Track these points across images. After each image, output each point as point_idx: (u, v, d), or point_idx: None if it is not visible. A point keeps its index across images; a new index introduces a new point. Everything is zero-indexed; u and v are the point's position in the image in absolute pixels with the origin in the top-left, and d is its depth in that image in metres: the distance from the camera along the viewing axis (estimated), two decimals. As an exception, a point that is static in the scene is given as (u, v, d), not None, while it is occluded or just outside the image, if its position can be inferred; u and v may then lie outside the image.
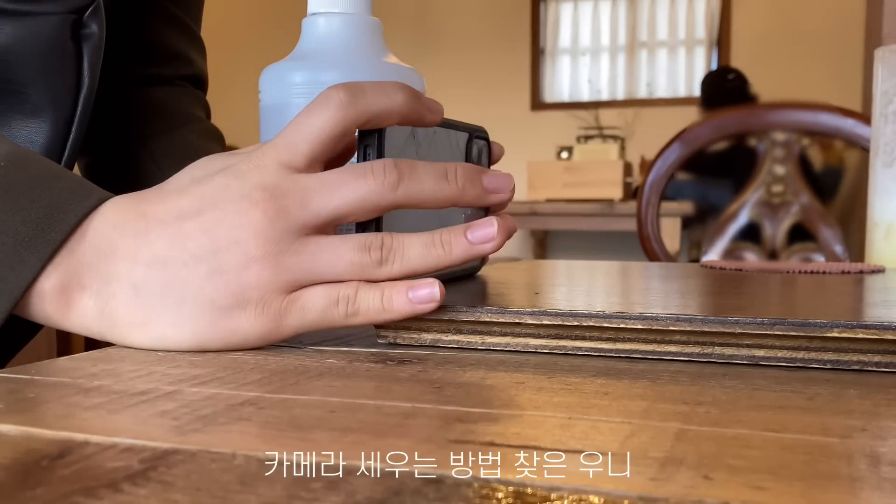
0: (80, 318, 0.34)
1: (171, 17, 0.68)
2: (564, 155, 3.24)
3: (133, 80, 0.66)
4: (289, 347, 0.36)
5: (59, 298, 0.34)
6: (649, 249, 1.20)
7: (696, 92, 3.41)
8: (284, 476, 0.19)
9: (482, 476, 0.19)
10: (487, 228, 0.35)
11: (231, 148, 0.50)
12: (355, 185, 0.34)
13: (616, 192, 2.78)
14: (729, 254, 1.18)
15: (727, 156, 1.36)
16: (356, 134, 0.36)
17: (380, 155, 0.36)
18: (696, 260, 1.55)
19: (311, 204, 0.34)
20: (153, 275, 0.34)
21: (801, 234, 1.17)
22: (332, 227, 0.35)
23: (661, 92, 3.50)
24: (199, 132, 0.67)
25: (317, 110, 0.34)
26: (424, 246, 0.35)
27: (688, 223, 2.62)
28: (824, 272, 0.56)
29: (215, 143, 0.68)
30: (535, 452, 0.21)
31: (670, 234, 2.45)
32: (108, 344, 0.36)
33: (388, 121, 0.35)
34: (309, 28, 0.45)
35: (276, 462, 0.20)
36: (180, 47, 0.69)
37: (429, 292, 0.34)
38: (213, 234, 0.33)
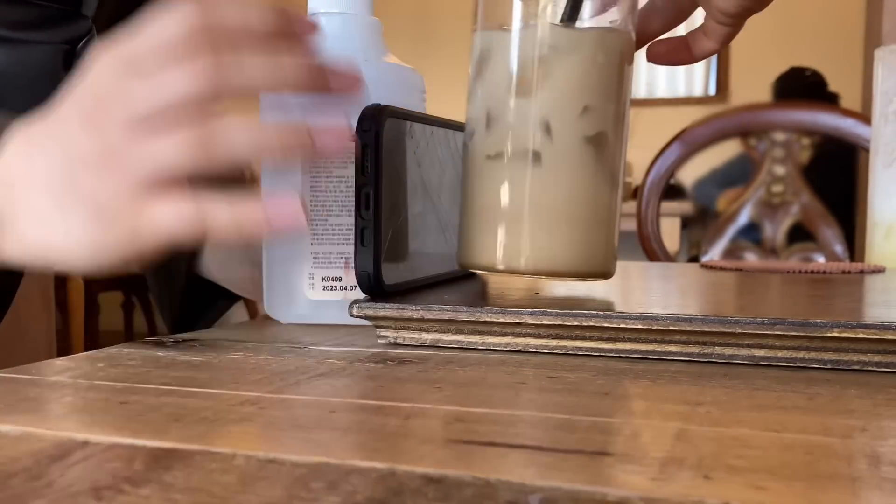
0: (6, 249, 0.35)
1: None
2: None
3: None
4: (289, 347, 0.36)
5: None
6: (649, 249, 1.20)
7: (696, 92, 3.41)
8: (284, 476, 0.19)
9: (482, 476, 0.19)
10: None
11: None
12: (176, 84, 0.32)
13: (616, 192, 2.78)
14: (729, 254, 1.18)
15: None
16: (353, 132, 0.36)
17: (377, 156, 0.36)
18: (696, 260, 1.55)
19: (135, 100, 0.33)
20: (42, 200, 0.34)
21: (801, 234, 1.17)
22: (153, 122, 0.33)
23: (661, 92, 3.49)
24: None
25: (188, 76, 0.33)
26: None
27: (687, 223, 2.62)
28: (824, 272, 0.56)
29: None
30: (535, 452, 0.21)
31: (670, 234, 2.45)
32: (108, 343, 0.36)
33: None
34: (309, 28, 0.45)
35: (276, 462, 0.20)
36: None
37: (289, 212, 0.33)
38: (66, 149, 0.34)
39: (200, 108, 0.33)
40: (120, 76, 0.34)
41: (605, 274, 0.39)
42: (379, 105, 0.37)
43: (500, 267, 0.37)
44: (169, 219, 0.33)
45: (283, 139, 0.34)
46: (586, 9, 0.37)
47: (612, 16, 0.38)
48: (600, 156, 0.37)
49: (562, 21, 0.36)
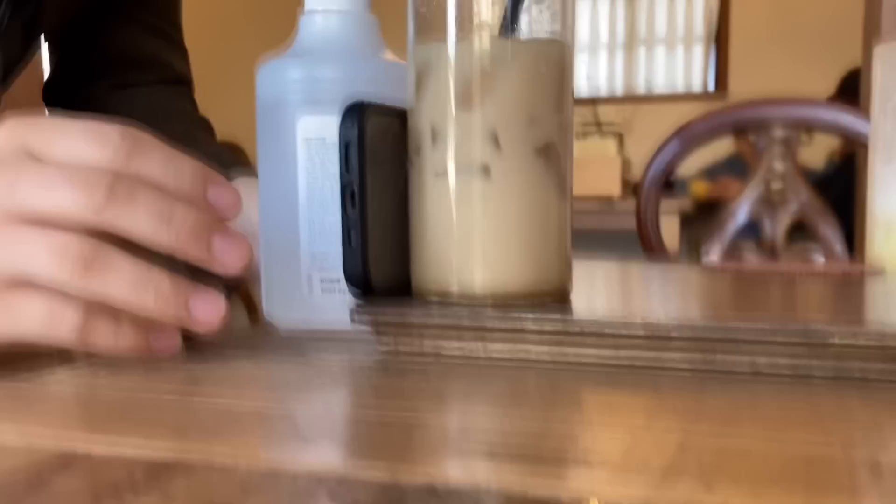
0: None
1: (149, 26, 0.69)
2: (563, 151, 3.22)
3: (114, 86, 0.67)
4: (291, 356, 0.36)
5: None
6: (649, 247, 1.20)
7: (695, 88, 3.41)
8: (286, 485, 0.19)
9: (483, 485, 0.19)
10: (215, 305, 0.32)
11: (226, 140, 0.50)
12: (62, 192, 0.31)
13: (614, 189, 2.78)
14: (729, 252, 1.18)
15: None
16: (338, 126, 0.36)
17: (361, 155, 0.36)
18: (696, 257, 1.55)
19: (16, 192, 0.31)
20: None
21: (801, 230, 1.17)
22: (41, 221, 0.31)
23: (660, 88, 3.49)
24: (186, 123, 0.67)
25: (90, 138, 0.32)
26: (134, 285, 0.31)
27: (688, 221, 2.62)
28: (825, 274, 0.56)
29: (203, 132, 0.68)
30: (536, 462, 0.21)
31: (670, 232, 2.45)
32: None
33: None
34: (306, 25, 0.45)
35: (277, 472, 0.20)
36: (160, 55, 0.70)
37: (170, 345, 0.32)
38: None
39: (86, 228, 0.31)
40: (19, 158, 0.32)
41: (562, 289, 0.38)
42: (362, 101, 0.36)
43: (454, 290, 0.37)
44: (28, 317, 0.31)
45: (158, 303, 0.31)
46: (524, 20, 0.37)
47: (552, 26, 0.38)
48: (550, 167, 0.37)
49: (500, 32, 0.36)
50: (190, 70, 0.73)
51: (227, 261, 0.32)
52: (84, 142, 0.32)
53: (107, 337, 0.32)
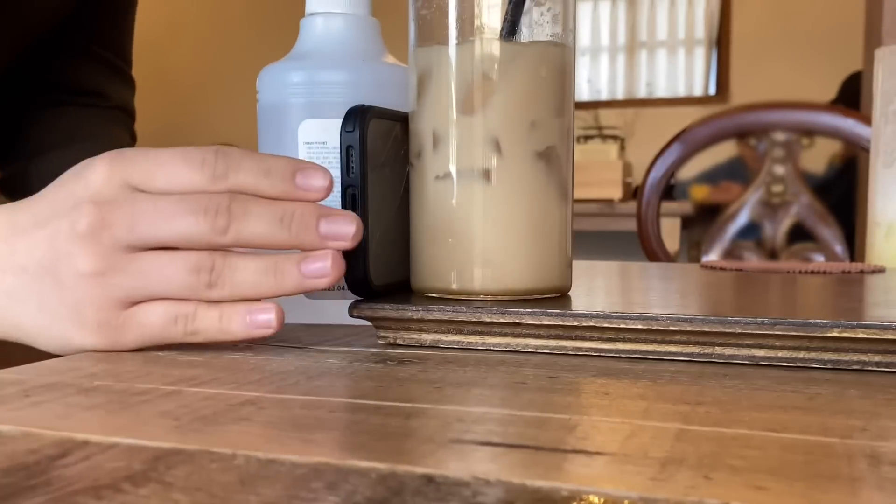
0: None
1: (95, 56, 0.69)
2: (564, 155, 3.22)
3: (49, 103, 0.67)
4: (289, 347, 0.36)
5: None
6: (649, 249, 1.20)
7: (696, 92, 3.41)
8: (284, 476, 0.19)
9: (481, 476, 0.19)
10: (321, 262, 0.34)
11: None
12: (185, 222, 0.33)
13: (616, 192, 2.78)
14: (729, 254, 1.18)
15: None
16: (340, 130, 0.36)
17: (362, 158, 0.36)
18: (697, 260, 1.55)
19: (137, 227, 0.33)
20: (17, 283, 0.35)
21: (801, 234, 1.17)
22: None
23: (661, 92, 3.49)
24: (105, 147, 0.67)
25: (187, 164, 0.34)
26: (257, 272, 0.34)
27: (688, 223, 2.62)
28: (824, 272, 0.56)
29: None
30: (535, 452, 0.21)
31: (670, 234, 2.45)
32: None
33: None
34: (307, 28, 0.45)
35: (276, 462, 0.20)
36: (102, 85, 0.70)
37: (266, 319, 0.34)
38: (54, 245, 0.34)
39: (202, 245, 0.34)
40: (128, 191, 0.34)
41: (562, 289, 0.39)
42: (363, 105, 0.37)
43: (454, 289, 0.37)
44: (153, 323, 0.34)
45: (279, 282, 0.34)
46: (525, 22, 0.37)
47: (553, 29, 0.38)
48: (550, 170, 0.37)
49: (501, 36, 0.36)
50: (132, 102, 0.73)
51: (339, 239, 0.35)
52: (182, 168, 0.34)
53: (214, 325, 0.35)
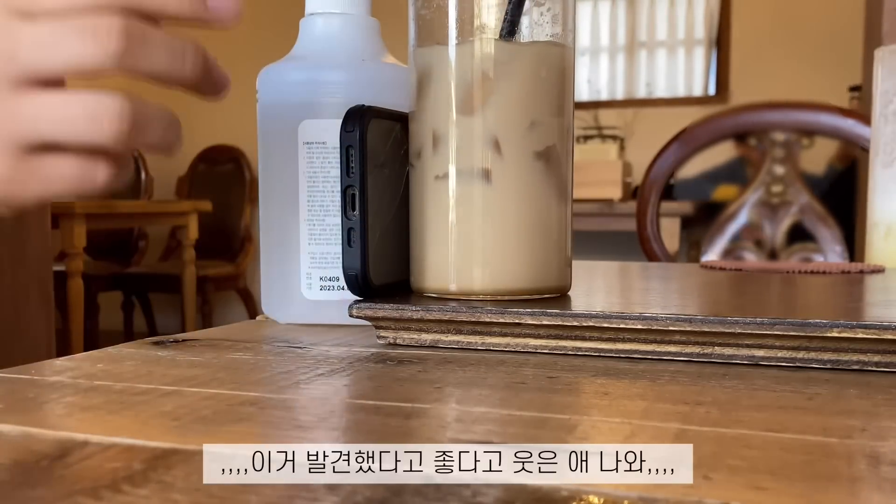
0: None
1: None
2: (564, 155, 3.22)
3: None
4: (289, 347, 0.36)
5: None
6: (649, 249, 1.20)
7: (696, 92, 3.41)
8: (284, 473, 0.19)
9: (482, 476, 0.19)
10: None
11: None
12: (71, 47, 0.29)
13: (615, 192, 2.78)
14: (729, 254, 1.18)
15: None
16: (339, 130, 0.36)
17: (362, 158, 0.36)
18: (697, 260, 1.55)
19: (20, 56, 0.30)
20: None
21: (800, 234, 1.17)
22: (53, 82, 0.31)
23: (661, 92, 3.49)
24: None
25: (87, 42, 0.30)
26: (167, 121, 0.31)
27: (687, 223, 2.62)
28: (824, 272, 0.56)
29: None
30: (535, 452, 0.21)
31: (670, 234, 2.45)
32: (107, 343, 0.36)
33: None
34: (307, 28, 0.45)
35: (276, 459, 0.20)
36: None
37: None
38: None
39: (95, 73, 0.30)
40: (7, 19, 0.30)
41: (562, 289, 0.39)
42: (363, 106, 0.37)
43: (453, 289, 0.37)
44: (62, 177, 0.31)
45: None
46: (525, 23, 0.37)
47: (553, 29, 0.38)
48: (550, 170, 0.37)
49: (501, 36, 0.36)
50: None
51: (220, 91, 0.33)
52: None
53: (123, 167, 0.32)
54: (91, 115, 0.30)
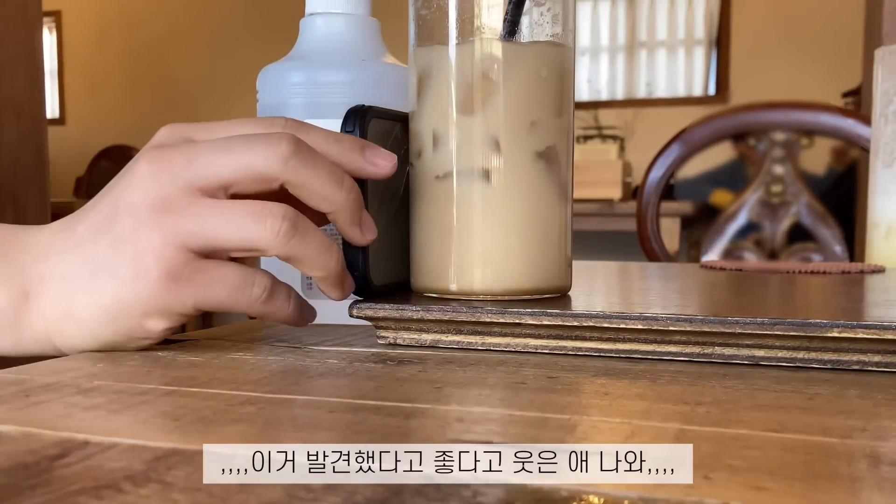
0: (31, 328, 0.34)
1: None
2: (564, 155, 3.22)
3: None
4: (289, 347, 0.36)
5: (9, 312, 0.33)
6: (649, 249, 1.20)
7: (696, 92, 3.41)
8: (284, 474, 0.19)
9: (482, 476, 0.19)
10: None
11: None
12: (244, 151, 0.32)
13: (615, 192, 2.78)
14: (729, 254, 1.18)
15: None
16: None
17: None
18: (697, 260, 1.55)
19: (195, 162, 0.32)
20: (72, 259, 0.33)
21: (800, 234, 1.17)
22: (223, 192, 0.33)
23: (661, 92, 3.49)
24: None
25: (253, 122, 0.34)
26: (322, 247, 0.34)
27: (687, 223, 2.62)
28: (824, 272, 0.56)
29: None
30: (535, 452, 0.21)
31: (670, 234, 2.45)
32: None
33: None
34: (307, 28, 0.45)
35: (275, 460, 0.20)
36: None
37: (313, 313, 0.36)
38: (115, 204, 0.33)
39: (266, 182, 0.33)
40: (185, 146, 0.33)
41: (562, 289, 0.39)
42: (363, 105, 0.37)
43: (454, 288, 0.37)
44: (225, 282, 0.33)
45: (336, 268, 0.34)
46: (525, 23, 0.37)
47: (553, 29, 0.38)
48: (550, 170, 0.37)
49: (501, 36, 0.36)
50: None
51: (367, 235, 0.36)
52: (245, 125, 0.34)
53: (282, 305, 0.35)
54: (256, 214, 0.32)
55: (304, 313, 0.37)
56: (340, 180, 0.33)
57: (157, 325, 0.33)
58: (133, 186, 0.32)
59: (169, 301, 0.33)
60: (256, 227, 0.32)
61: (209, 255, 0.33)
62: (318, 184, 0.33)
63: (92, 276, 0.33)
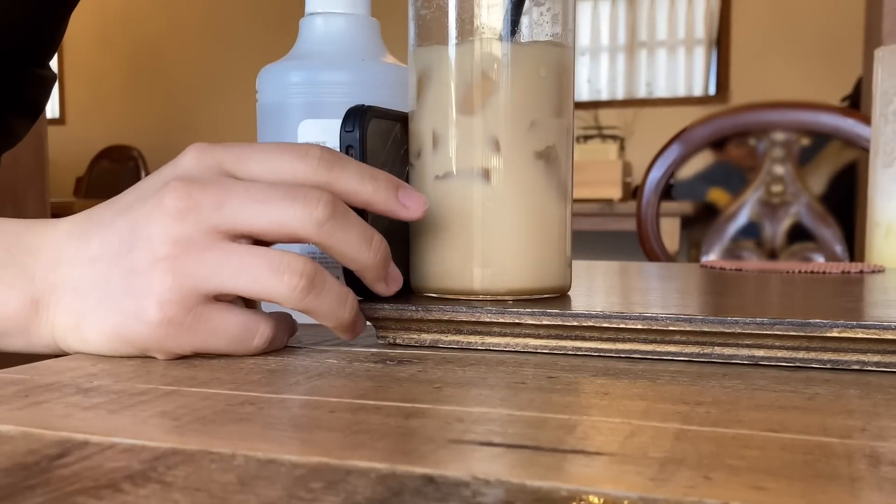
0: (39, 334, 0.34)
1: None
2: (564, 155, 3.21)
3: None
4: (288, 347, 0.36)
5: (20, 319, 0.33)
6: (649, 249, 1.20)
7: (696, 92, 3.41)
8: (284, 476, 0.19)
9: (481, 476, 0.19)
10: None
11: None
12: (280, 207, 0.31)
13: (615, 192, 2.78)
14: (729, 254, 1.18)
15: None
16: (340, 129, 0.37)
17: (362, 158, 0.36)
18: (697, 260, 1.55)
19: (226, 207, 0.31)
20: (87, 275, 0.32)
21: (801, 234, 1.17)
22: (249, 239, 0.32)
23: (661, 92, 3.49)
24: None
25: (288, 152, 0.33)
26: (338, 299, 0.33)
27: (687, 223, 2.62)
28: (824, 272, 0.56)
29: None
30: (534, 452, 0.21)
31: (670, 234, 2.45)
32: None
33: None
34: (307, 28, 0.45)
35: (275, 462, 0.20)
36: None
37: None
38: (135, 229, 0.32)
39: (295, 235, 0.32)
40: (218, 176, 0.32)
41: (562, 289, 0.39)
42: (363, 105, 0.37)
43: (454, 288, 0.37)
44: (226, 331, 0.33)
45: (348, 319, 0.34)
46: (525, 22, 0.37)
47: (553, 29, 0.38)
48: (550, 170, 0.37)
49: (501, 36, 0.36)
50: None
51: (392, 288, 0.36)
52: (281, 156, 0.33)
53: (280, 342, 0.35)
54: (275, 269, 0.31)
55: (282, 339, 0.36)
56: (370, 241, 0.33)
57: (157, 357, 0.33)
58: (156, 219, 0.31)
59: (168, 345, 0.32)
60: (273, 280, 0.31)
61: (219, 297, 0.33)
62: (348, 247, 0.33)
63: (100, 300, 0.32)
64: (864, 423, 0.24)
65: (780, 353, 0.32)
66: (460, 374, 0.31)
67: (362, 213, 0.35)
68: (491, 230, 0.37)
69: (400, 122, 0.39)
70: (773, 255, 1.17)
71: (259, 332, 0.34)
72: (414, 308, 0.36)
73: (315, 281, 0.32)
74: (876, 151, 0.71)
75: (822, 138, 1.19)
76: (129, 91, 4.04)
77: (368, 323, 0.37)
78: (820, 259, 1.14)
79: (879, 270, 0.58)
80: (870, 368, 0.31)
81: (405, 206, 0.34)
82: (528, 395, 0.28)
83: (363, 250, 0.33)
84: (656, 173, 1.19)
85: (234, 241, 0.32)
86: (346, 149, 0.36)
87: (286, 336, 0.36)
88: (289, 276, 0.31)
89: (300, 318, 0.43)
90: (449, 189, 0.37)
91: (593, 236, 2.78)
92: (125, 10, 4.01)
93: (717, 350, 0.33)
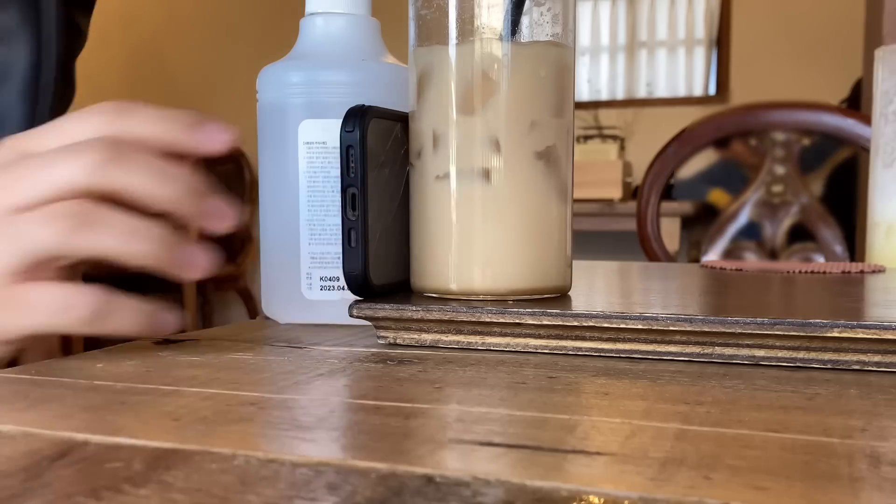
0: None
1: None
2: (564, 155, 3.21)
3: None
4: (289, 347, 0.36)
5: None
6: (649, 249, 1.20)
7: (696, 92, 3.41)
8: (284, 476, 0.19)
9: (481, 476, 0.19)
10: (205, 254, 0.34)
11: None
12: (56, 170, 0.31)
13: (615, 192, 2.78)
14: (729, 254, 1.18)
15: None
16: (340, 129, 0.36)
17: (362, 158, 0.36)
18: (697, 260, 1.55)
19: (16, 186, 0.31)
20: None
21: (801, 234, 1.17)
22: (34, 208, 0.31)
23: (661, 92, 3.49)
24: None
25: (82, 124, 0.32)
26: (127, 235, 0.31)
27: (688, 223, 2.62)
28: (824, 272, 0.56)
29: None
30: (534, 452, 0.21)
31: (670, 234, 2.45)
32: (108, 343, 0.36)
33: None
34: (307, 28, 0.45)
35: (276, 462, 0.20)
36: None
37: (173, 321, 0.33)
38: None
39: (79, 196, 0.31)
40: (12, 166, 0.32)
41: (562, 289, 0.39)
42: (363, 105, 0.37)
43: (454, 288, 0.37)
44: (45, 305, 0.31)
45: (151, 248, 0.32)
46: (525, 22, 0.37)
47: (553, 29, 0.38)
48: (550, 170, 0.37)
49: (501, 36, 0.36)
50: None
51: (217, 223, 0.33)
52: (73, 123, 0.32)
53: (122, 321, 0.32)
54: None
55: (158, 323, 0.34)
56: (168, 175, 0.31)
57: None
58: None
59: None
60: (44, 231, 0.31)
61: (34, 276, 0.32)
62: (140, 187, 0.31)
63: None
64: (864, 423, 0.24)
65: (780, 353, 0.32)
66: (461, 374, 0.31)
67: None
68: (491, 230, 0.37)
69: (400, 122, 0.39)
70: (773, 255, 1.17)
71: (83, 301, 0.31)
72: (414, 308, 0.36)
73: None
74: (876, 151, 0.71)
75: (827, 143, 1.19)
76: (128, 91, 4.04)
77: (369, 323, 0.37)
78: (820, 259, 1.14)
79: (880, 270, 0.58)
80: (870, 368, 0.31)
81: (207, 139, 0.33)
82: (528, 395, 0.28)
83: (158, 185, 0.31)
84: (656, 173, 1.19)
85: (23, 211, 0.31)
86: (347, 149, 0.36)
87: (136, 315, 0.33)
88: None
89: (300, 319, 0.43)
90: (449, 189, 0.37)
91: (593, 236, 2.78)
92: (125, 11, 4.01)
93: (718, 350, 0.33)
